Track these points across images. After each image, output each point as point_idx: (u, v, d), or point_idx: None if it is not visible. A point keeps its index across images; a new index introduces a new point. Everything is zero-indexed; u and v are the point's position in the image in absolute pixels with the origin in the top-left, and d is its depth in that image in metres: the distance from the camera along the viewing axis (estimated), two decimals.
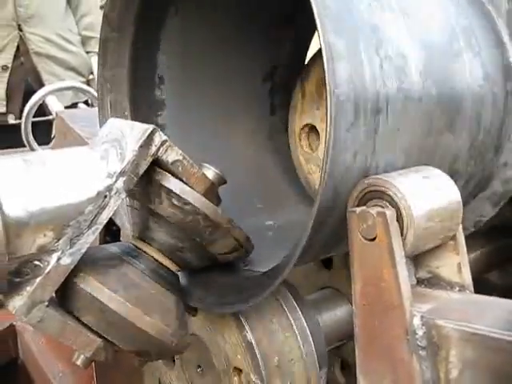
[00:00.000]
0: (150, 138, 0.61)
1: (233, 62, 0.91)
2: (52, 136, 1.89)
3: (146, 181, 0.63)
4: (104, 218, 0.60)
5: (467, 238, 1.22)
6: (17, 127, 2.51)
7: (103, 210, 0.59)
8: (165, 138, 0.62)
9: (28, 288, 0.59)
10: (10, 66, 2.55)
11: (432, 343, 0.54)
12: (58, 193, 0.58)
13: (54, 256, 0.58)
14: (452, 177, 0.62)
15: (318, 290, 0.96)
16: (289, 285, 0.81)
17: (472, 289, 0.62)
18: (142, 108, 0.87)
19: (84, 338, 0.63)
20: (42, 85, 2.59)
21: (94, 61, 2.82)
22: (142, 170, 0.61)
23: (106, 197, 0.60)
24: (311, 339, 0.78)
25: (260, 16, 0.90)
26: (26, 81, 2.64)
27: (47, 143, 2.00)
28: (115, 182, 0.60)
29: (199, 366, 0.83)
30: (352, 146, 0.54)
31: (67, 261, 0.59)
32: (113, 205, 0.60)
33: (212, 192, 0.66)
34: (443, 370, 0.54)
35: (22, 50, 2.80)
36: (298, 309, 0.79)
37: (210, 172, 0.67)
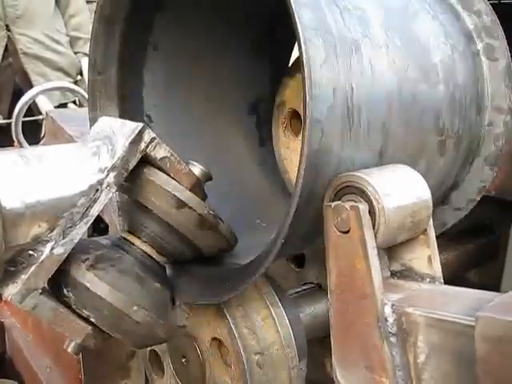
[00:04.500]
0: (139, 135, 0.64)
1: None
2: (42, 136, 1.91)
3: (135, 176, 0.67)
4: (96, 211, 0.63)
5: (448, 237, 1.27)
6: (5, 128, 2.53)
7: (95, 202, 0.63)
8: (153, 135, 0.65)
9: (22, 276, 0.62)
10: None
11: (402, 330, 0.58)
12: (53, 186, 0.61)
13: (48, 246, 0.62)
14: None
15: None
16: (271, 279, 0.85)
17: (442, 280, 0.66)
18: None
19: (75, 325, 0.66)
20: (30, 85, 2.60)
21: (84, 62, 2.84)
22: (131, 166, 0.65)
23: (97, 190, 0.63)
24: (291, 331, 0.81)
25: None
26: (14, 81, 2.66)
27: (35, 143, 2.03)
28: (106, 176, 0.63)
29: (184, 357, 0.87)
30: (329, 138, 0.57)
31: (60, 250, 0.62)
32: (104, 198, 0.63)
33: (198, 187, 0.69)
34: (412, 354, 0.58)
35: (10, 50, 2.81)
36: (278, 302, 0.82)
37: (196, 169, 0.71)
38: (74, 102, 2.79)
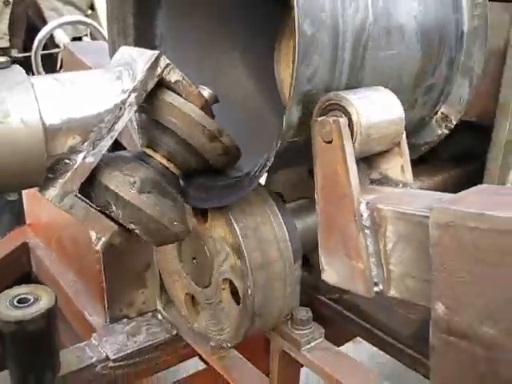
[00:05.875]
0: (156, 61, 0.75)
1: None
2: (58, 67, 2.00)
3: (153, 97, 0.78)
4: (120, 126, 0.75)
5: (435, 163, 1.37)
6: (20, 61, 2.62)
7: (119, 119, 0.75)
8: (168, 61, 0.76)
9: (60, 181, 0.74)
10: (11, 1, 2.63)
11: (374, 223, 0.70)
12: (84, 105, 0.73)
13: (81, 155, 0.74)
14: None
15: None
16: (272, 192, 0.97)
17: (413, 186, 0.78)
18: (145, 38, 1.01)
19: (103, 223, 0.79)
20: (43, 19, 2.67)
21: None
22: (149, 88, 0.76)
23: (121, 109, 0.75)
24: (287, 236, 0.94)
25: None
26: (26, 16, 2.72)
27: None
28: (128, 96, 0.75)
29: (194, 258, 1.00)
30: (316, 63, 0.68)
31: (91, 159, 0.74)
32: (126, 116, 0.75)
33: (207, 107, 0.81)
34: (382, 243, 0.70)
35: None
36: (277, 210, 0.94)
37: (205, 92, 0.82)
38: (86, 35, 2.86)
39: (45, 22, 2.60)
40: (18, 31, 2.67)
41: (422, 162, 1.20)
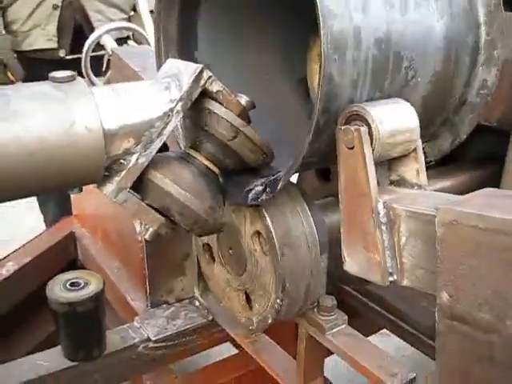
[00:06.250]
0: (200, 73, 0.86)
1: None
2: (103, 69, 2.13)
3: (197, 105, 0.88)
4: (168, 131, 0.85)
5: (457, 165, 1.44)
6: (67, 61, 2.77)
7: (167, 124, 0.85)
8: (210, 74, 0.86)
9: (116, 178, 0.85)
10: (60, 5, 2.77)
11: (390, 220, 0.79)
12: (137, 112, 0.84)
13: (134, 156, 0.84)
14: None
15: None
16: (301, 189, 1.06)
17: (427, 188, 0.87)
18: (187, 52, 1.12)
19: (152, 216, 0.90)
20: (90, 23, 2.81)
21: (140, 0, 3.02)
22: (194, 97, 0.86)
23: (169, 116, 0.85)
24: (315, 229, 1.03)
25: None
26: (74, 18, 2.86)
27: (96, 75, 2.26)
28: (176, 105, 0.85)
29: (231, 248, 1.10)
30: (341, 79, 0.77)
31: (142, 160, 0.85)
32: (173, 122, 0.85)
33: (244, 114, 0.91)
34: (396, 238, 0.80)
35: None
36: (305, 206, 1.03)
37: (243, 99, 0.92)
38: (128, 37, 2.99)
39: (91, 26, 2.73)
40: (66, 33, 2.81)
41: (446, 163, 1.28)
